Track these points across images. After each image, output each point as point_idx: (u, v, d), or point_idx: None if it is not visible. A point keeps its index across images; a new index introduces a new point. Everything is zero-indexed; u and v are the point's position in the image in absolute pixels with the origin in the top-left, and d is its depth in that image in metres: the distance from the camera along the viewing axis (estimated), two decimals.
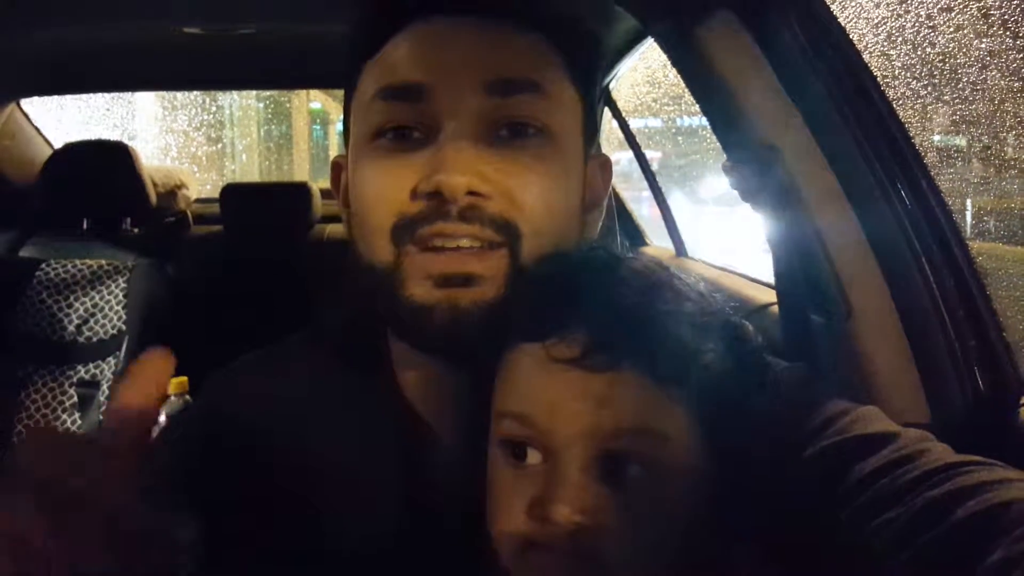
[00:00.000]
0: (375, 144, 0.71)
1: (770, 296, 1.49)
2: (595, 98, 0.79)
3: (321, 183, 3.14)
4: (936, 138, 1.52)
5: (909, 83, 1.34)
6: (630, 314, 0.60)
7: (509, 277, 0.68)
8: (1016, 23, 1.23)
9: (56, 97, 3.19)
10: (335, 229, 2.95)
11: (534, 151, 0.70)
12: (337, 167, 0.82)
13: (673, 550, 0.60)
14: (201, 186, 3.63)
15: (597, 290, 0.62)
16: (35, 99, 2.97)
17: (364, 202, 0.72)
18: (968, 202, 1.55)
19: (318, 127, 8.93)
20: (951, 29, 1.30)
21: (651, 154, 2.76)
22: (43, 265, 2.40)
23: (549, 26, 0.73)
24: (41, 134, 3.04)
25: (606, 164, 0.81)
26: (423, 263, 0.68)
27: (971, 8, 1.27)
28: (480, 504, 0.64)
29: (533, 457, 0.60)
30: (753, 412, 0.62)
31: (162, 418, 1.80)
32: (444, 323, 0.67)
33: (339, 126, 0.81)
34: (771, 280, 1.27)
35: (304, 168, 8.57)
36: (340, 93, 0.80)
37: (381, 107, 0.71)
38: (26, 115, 2.95)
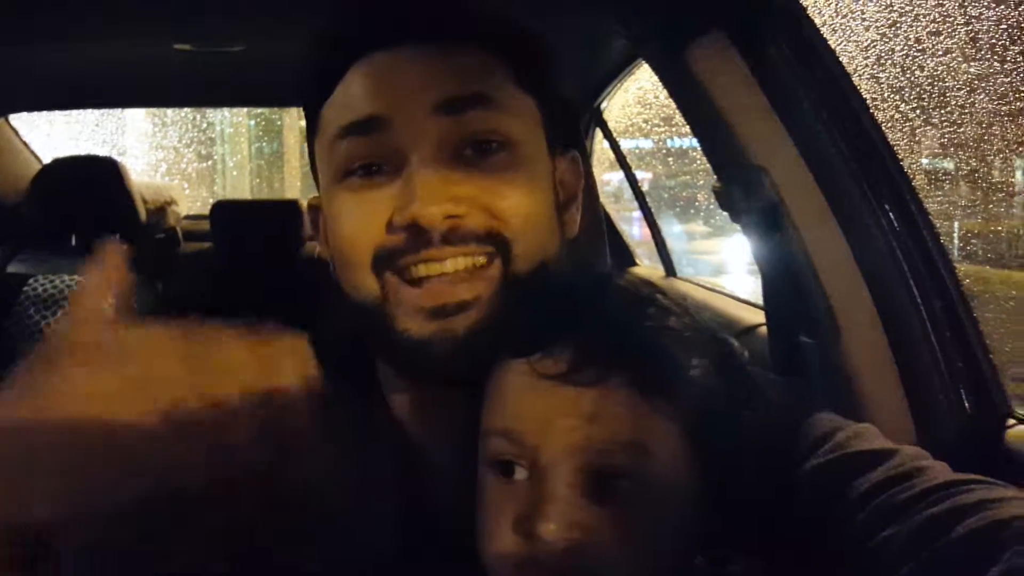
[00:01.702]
0: (345, 183, 0.72)
1: (759, 317, 1.50)
2: (552, 99, 0.79)
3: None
4: (924, 161, 1.53)
5: (898, 106, 1.35)
6: (616, 329, 0.60)
7: (503, 289, 0.68)
8: (1004, 47, 1.24)
9: (45, 112, 3.19)
10: None
11: (500, 162, 0.70)
12: (314, 210, 0.82)
13: (662, 565, 0.59)
14: (191, 203, 3.63)
15: (583, 306, 0.62)
16: (24, 114, 2.96)
17: (342, 240, 0.72)
18: (956, 225, 1.56)
19: None
20: (940, 53, 1.31)
21: (641, 175, 2.77)
22: (31, 280, 2.38)
23: (488, 42, 0.73)
24: (30, 149, 3.04)
25: (575, 160, 0.82)
26: (412, 298, 0.68)
27: (960, 32, 1.28)
28: (472, 524, 0.63)
29: (520, 474, 0.60)
30: (742, 425, 0.62)
31: None
32: (444, 355, 0.67)
33: (313, 178, 0.81)
34: (760, 301, 1.27)
35: (295, 185, 8.56)
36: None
37: (344, 146, 0.71)
38: (15, 130, 2.94)
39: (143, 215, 2.85)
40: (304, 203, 2.97)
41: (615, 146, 2.50)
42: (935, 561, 0.52)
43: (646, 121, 2.96)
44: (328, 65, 0.74)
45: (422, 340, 0.68)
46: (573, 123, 1.47)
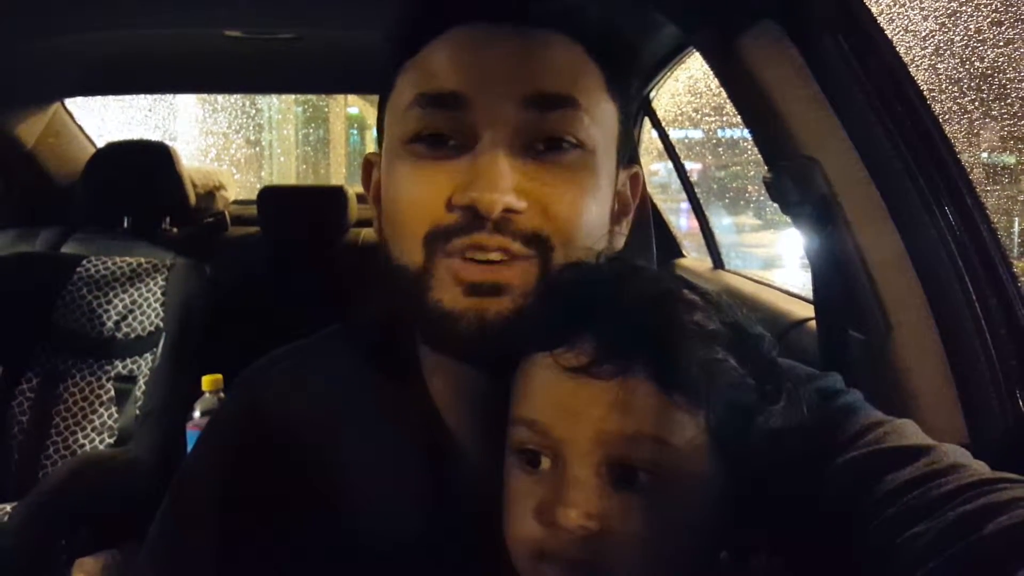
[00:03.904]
0: (410, 148, 0.71)
1: (809, 311, 1.48)
2: (631, 110, 0.79)
3: (357, 187, 3.16)
4: (983, 155, 1.49)
5: (956, 98, 1.32)
6: (638, 323, 0.60)
7: (535, 285, 0.68)
8: None
9: (100, 97, 3.25)
10: (369, 233, 2.96)
11: (569, 164, 0.69)
12: (368, 164, 0.82)
13: (683, 558, 0.60)
14: (239, 188, 3.67)
15: (606, 300, 0.62)
16: (79, 99, 3.02)
17: (397, 206, 0.71)
18: (1016, 221, 1.53)
19: (355, 132, 8.98)
20: (1001, 43, 1.27)
21: (691, 166, 2.74)
22: (84, 261, 2.44)
23: (589, 38, 0.72)
24: (84, 133, 3.10)
25: (637, 176, 0.81)
26: (453, 270, 0.68)
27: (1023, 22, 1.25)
28: (497, 510, 0.64)
29: (546, 464, 0.61)
30: (768, 420, 0.62)
31: (196, 413, 1.82)
32: (471, 331, 0.67)
33: (376, 131, 0.80)
34: (810, 294, 1.25)
35: (340, 172, 8.61)
36: (377, 99, 0.80)
37: (418, 114, 0.70)
38: (70, 114, 3.01)
39: (193, 199, 2.90)
40: (348, 189, 3.00)
41: (664, 136, 2.47)
42: (963, 558, 0.51)
43: (696, 110, 2.92)
44: (421, 23, 0.72)
45: (452, 313, 0.68)
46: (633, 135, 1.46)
